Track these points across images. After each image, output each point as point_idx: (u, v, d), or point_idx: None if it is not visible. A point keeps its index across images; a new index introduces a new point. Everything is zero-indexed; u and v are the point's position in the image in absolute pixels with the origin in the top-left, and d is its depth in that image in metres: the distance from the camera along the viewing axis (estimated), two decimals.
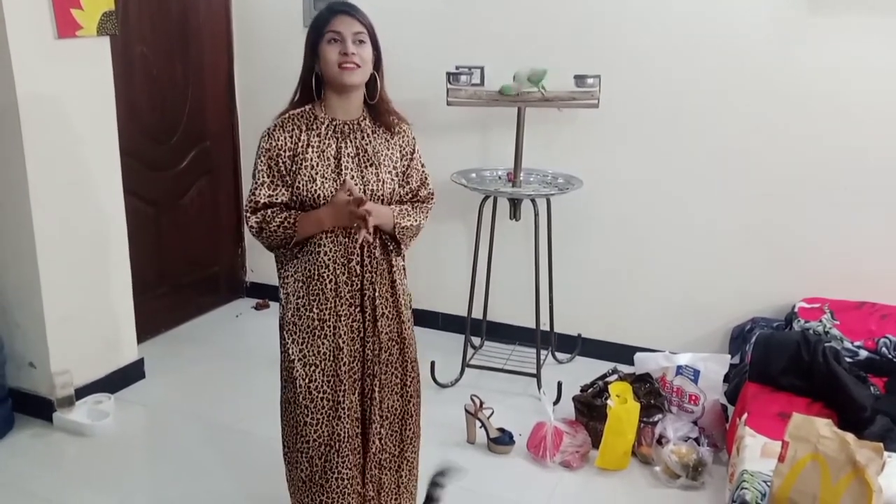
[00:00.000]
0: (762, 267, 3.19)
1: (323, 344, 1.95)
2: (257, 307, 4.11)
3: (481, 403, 2.84)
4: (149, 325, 3.49)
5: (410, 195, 2.05)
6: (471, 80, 3.14)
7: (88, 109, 2.88)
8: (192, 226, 3.84)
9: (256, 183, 1.94)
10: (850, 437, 1.85)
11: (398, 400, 2.07)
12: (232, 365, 3.47)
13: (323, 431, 1.97)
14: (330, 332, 1.95)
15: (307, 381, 1.95)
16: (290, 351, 1.96)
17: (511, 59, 3.24)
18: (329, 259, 1.92)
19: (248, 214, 1.94)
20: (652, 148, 3.26)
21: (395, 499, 2.12)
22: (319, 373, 1.95)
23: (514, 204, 3.24)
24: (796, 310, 2.94)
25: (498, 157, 3.41)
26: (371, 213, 1.83)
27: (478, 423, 2.83)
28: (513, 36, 3.35)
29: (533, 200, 3.16)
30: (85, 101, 2.86)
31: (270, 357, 3.43)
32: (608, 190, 3.35)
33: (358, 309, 1.97)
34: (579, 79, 3.04)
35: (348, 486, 2.00)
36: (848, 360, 2.59)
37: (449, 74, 3.11)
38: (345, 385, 1.96)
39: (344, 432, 1.97)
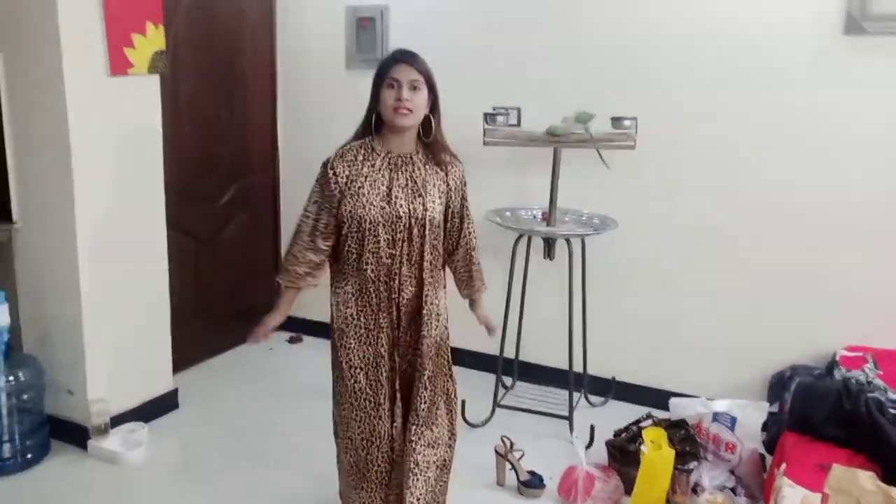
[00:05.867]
0: (803, 313, 3.12)
1: (368, 350, 2.18)
2: (291, 340, 4.14)
3: (512, 445, 2.80)
4: (184, 355, 3.53)
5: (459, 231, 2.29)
6: (507, 120, 3.18)
7: (136, 144, 2.98)
8: (231, 259, 3.91)
9: (307, 212, 2.19)
10: (895, 491, 1.78)
11: (437, 405, 2.25)
12: (264, 397, 3.49)
13: (365, 428, 2.20)
14: (374, 340, 2.17)
15: (353, 381, 2.18)
16: (340, 354, 2.21)
17: (546, 100, 3.28)
18: (374, 276, 2.13)
19: (303, 228, 2.19)
20: (688, 190, 3.25)
21: (432, 492, 2.28)
22: (363, 376, 2.19)
23: (549, 243, 3.24)
24: (838, 358, 2.86)
25: (533, 197, 3.42)
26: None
27: (508, 465, 2.79)
28: (549, 78, 3.39)
29: (567, 240, 3.15)
30: (134, 135, 2.96)
31: (302, 389, 3.49)
32: (644, 231, 3.33)
33: (397, 322, 2.18)
34: (616, 121, 3.05)
35: (385, 477, 2.23)
36: (892, 411, 2.50)
37: (486, 115, 3.16)
38: (385, 388, 2.18)
39: (384, 430, 2.20)
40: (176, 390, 3.31)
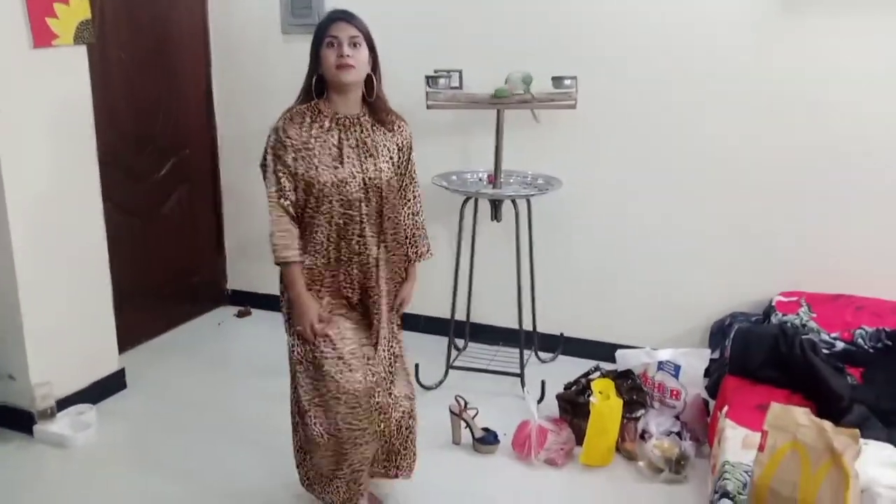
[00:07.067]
0: (740, 262, 3.23)
1: (340, 301, 2.21)
2: (239, 315, 4.09)
3: (466, 404, 2.85)
4: (129, 335, 3.46)
5: (403, 193, 2.29)
6: (449, 83, 3.16)
7: (66, 118, 2.86)
8: (172, 234, 3.83)
9: (271, 184, 2.11)
10: (827, 424, 1.88)
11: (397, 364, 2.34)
12: (214, 373, 3.45)
13: (354, 381, 2.18)
14: (340, 293, 2.20)
15: (336, 331, 2.18)
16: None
17: (488, 62, 3.27)
18: (326, 238, 2.13)
19: (274, 204, 2.12)
20: (629, 147, 3.30)
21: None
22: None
23: (495, 205, 3.26)
24: (774, 303, 2.98)
25: (478, 160, 3.43)
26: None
27: (463, 424, 2.84)
28: (490, 40, 3.38)
29: (513, 201, 3.18)
30: (62, 110, 2.84)
31: (253, 364, 3.46)
32: (587, 190, 3.38)
33: (358, 284, 2.21)
34: (557, 80, 3.07)
35: (378, 428, 2.28)
36: (825, 351, 2.63)
37: (428, 78, 3.14)
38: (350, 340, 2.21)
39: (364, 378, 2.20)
40: (123, 370, 3.25)
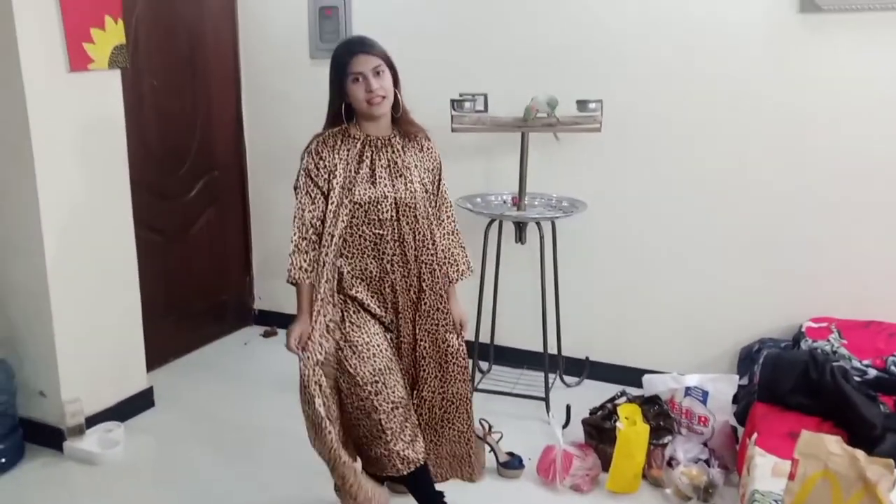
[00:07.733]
0: (769, 287, 3.19)
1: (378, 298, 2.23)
2: (265, 335, 4.12)
3: (490, 427, 2.83)
4: (157, 353, 3.50)
5: (438, 214, 2.32)
6: (474, 106, 3.19)
7: (100, 140, 2.93)
8: (201, 255, 3.88)
9: (301, 206, 2.15)
10: (859, 453, 1.84)
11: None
12: (240, 392, 3.47)
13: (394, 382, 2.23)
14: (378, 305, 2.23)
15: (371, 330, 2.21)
16: (350, 307, 2.21)
17: (513, 86, 3.29)
18: (359, 257, 2.17)
19: (299, 225, 2.14)
20: (655, 170, 3.29)
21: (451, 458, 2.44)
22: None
23: (520, 227, 3.26)
24: (804, 329, 2.94)
25: (502, 182, 3.44)
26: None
27: (487, 448, 2.82)
28: (514, 63, 3.40)
29: (538, 223, 3.18)
30: (97, 132, 2.91)
31: (280, 384, 3.48)
32: (613, 212, 3.37)
33: (393, 306, 2.23)
34: (581, 103, 3.08)
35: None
36: (857, 378, 2.58)
37: (453, 101, 3.16)
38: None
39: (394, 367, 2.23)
40: (151, 388, 3.28)
